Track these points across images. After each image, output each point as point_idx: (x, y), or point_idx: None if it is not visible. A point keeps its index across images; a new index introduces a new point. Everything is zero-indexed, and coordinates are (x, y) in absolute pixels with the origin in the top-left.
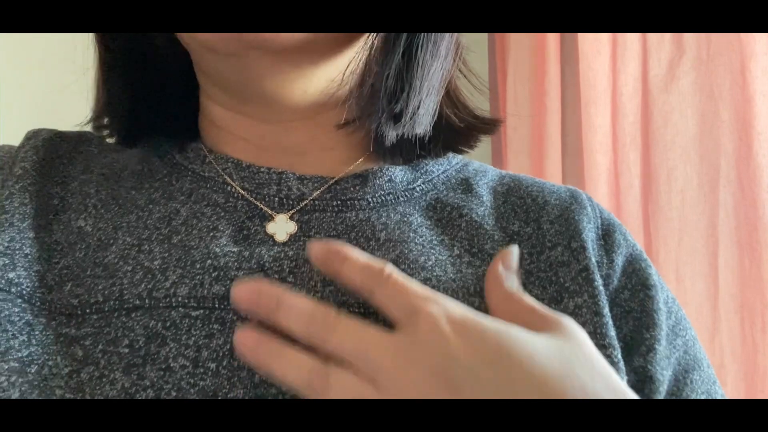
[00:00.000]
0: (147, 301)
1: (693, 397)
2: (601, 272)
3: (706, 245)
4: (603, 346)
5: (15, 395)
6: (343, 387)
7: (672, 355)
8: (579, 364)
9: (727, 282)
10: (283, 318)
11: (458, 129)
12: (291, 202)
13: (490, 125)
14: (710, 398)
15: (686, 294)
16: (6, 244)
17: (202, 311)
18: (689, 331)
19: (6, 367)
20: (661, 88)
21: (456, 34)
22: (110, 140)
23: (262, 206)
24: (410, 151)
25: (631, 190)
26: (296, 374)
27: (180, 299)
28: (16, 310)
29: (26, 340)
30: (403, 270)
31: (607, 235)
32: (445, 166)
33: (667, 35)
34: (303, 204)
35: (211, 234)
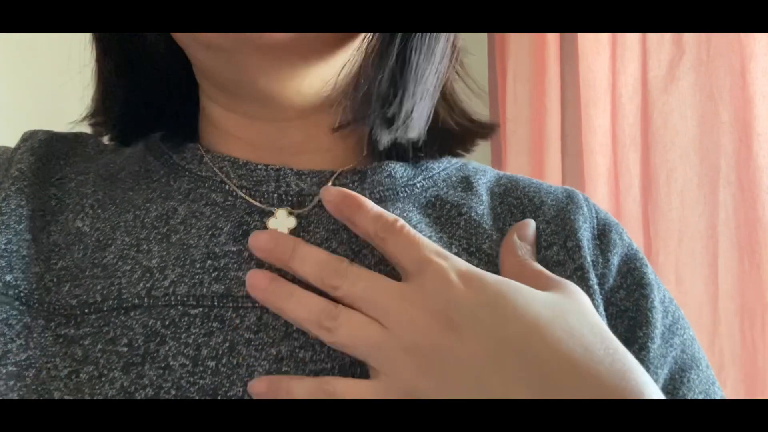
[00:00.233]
0: (146, 300)
1: (689, 396)
2: (596, 272)
3: (706, 246)
4: None
5: (13, 399)
6: (351, 326)
7: (668, 353)
8: (571, 312)
9: (726, 283)
10: (297, 264)
11: (455, 133)
12: (290, 198)
13: (487, 129)
14: (708, 398)
15: (686, 295)
16: (3, 247)
17: (201, 309)
18: (687, 330)
19: (4, 371)
20: (660, 89)
21: (452, 36)
22: (106, 140)
23: (260, 204)
24: (405, 155)
25: (630, 191)
26: (306, 313)
27: (179, 298)
28: (14, 313)
29: (24, 343)
30: None
31: (603, 234)
32: (446, 164)
33: (667, 36)
34: (302, 200)
35: (210, 233)
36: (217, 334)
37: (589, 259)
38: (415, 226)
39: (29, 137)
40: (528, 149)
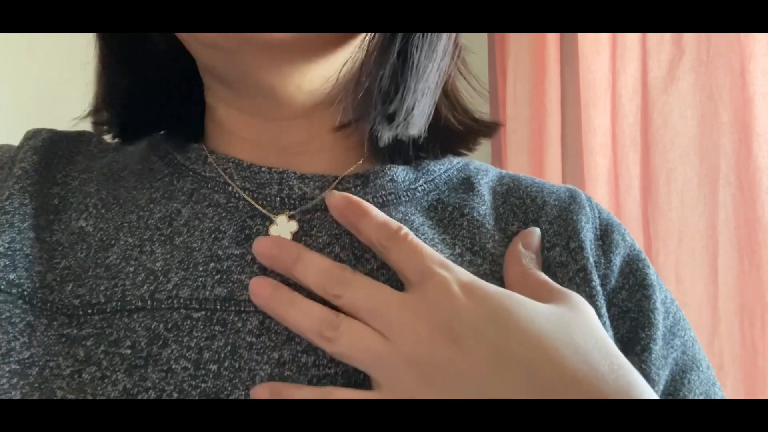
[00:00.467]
0: (149, 302)
1: (690, 397)
2: (598, 272)
3: (706, 246)
4: None
5: (16, 397)
6: (352, 336)
7: (669, 355)
8: (575, 326)
9: (726, 283)
10: (300, 272)
11: (457, 131)
12: (292, 202)
13: (489, 128)
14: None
15: (686, 295)
16: (6, 245)
17: (203, 313)
18: (688, 331)
19: (7, 369)
20: (660, 89)
21: (454, 34)
22: (109, 138)
23: (263, 207)
24: (408, 153)
25: (630, 191)
26: (308, 322)
27: (182, 301)
28: (17, 311)
29: (27, 341)
30: None
31: (605, 235)
32: (447, 165)
33: (667, 36)
34: (305, 204)
35: (213, 236)
36: (219, 338)
37: (591, 260)
38: (417, 229)
39: (32, 136)
40: (528, 149)
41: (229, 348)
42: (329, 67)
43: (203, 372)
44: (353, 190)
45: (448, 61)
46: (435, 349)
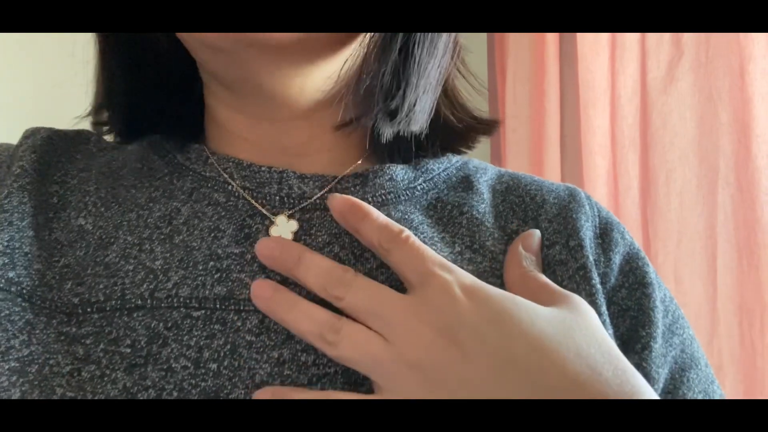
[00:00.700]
0: (149, 301)
1: (689, 395)
2: (598, 270)
3: (705, 247)
4: None
5: (16, 395)
6: (354, 339)
7: (668, 353)
8: (578, 330)
9: (725, 284)
10: (302, 273)
11: (457, 129)
12: (292, 201)
13: (489, 126)
14: (707, 397)
15: (685, 296)
16: (6, 243)
17: (203, 312)
18: (687, 329)
19: (6, 366)
20: (659, 89)
21: (453, 35)
22: (109, 137)
23: (262, 206)
24: (408, 151)
25: (629, 192)
26: (309, 325)
27: (182, 300)
28: (17, 309)
29: (26, 339)
30: None
31: (605, 233)
32: (446, 164)
33: (666, 37)
34: (304, 203)
35: (213, 234)
36: (219, 337)
37: (591, 258)
38: (417, 228)
39: (31, 134)
40: (527, 150)
41: (228, 347)
42: (331, 67)
43: (203, 371)
44: (352, 189)
45: (449, 59)
46: (437, 352)
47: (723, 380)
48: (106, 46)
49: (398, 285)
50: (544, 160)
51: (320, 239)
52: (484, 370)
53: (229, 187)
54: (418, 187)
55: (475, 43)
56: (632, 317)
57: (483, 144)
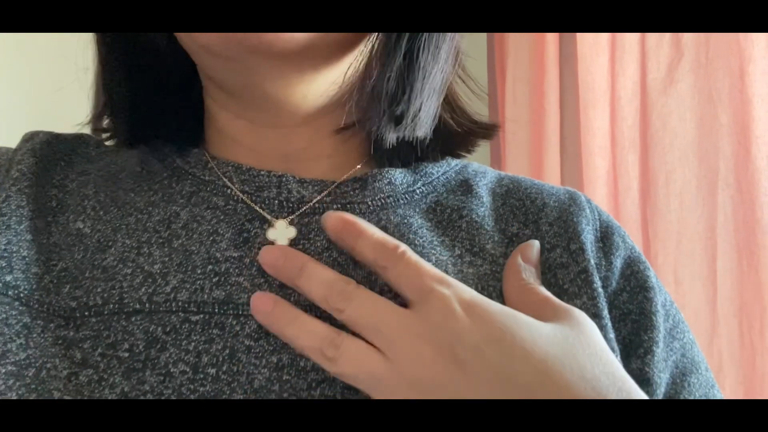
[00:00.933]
0: (147, 305)
1: None
2: (599, 274)
3: (705, 248)
4: None
5: (12, 398)
6: (353, 355)
7: (669, 357)
8: (581, 349)
9: (725, 285)
10: (304, 283)
11: (456, 133)
12: (291, 205)
13: (488, 130)
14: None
15: (684, 297)
16: (3, 247)
17: (201, 316)
18: (687, 334)
19: (3, 370)
20: (659, 91)
21: (456, 38)
22: (109, 143)
23: (261, 210)
24: (408, 156)
25: (629, 193)
26: (308, 340)
27: (180, 304)
28: (14, 312)
29: (24, 343)
30: None
31: (606, 237)
32: (445, 168)
33: (666, 38)
34: (303, 208)
35: (212, 238)
36: (218, 341)
37: (592, 261)
38: (416, 231)
39: (30, 138)
40: (527, 151)
41: (227, 352)
42: (333, 73)
43: (201, 376)
44: (351, 193)
45: (451, 65)
46: (436, 371)
47: (723, 381)
48: (106, 50)
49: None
50: (544, 161)
51: (319, 244)
52: (484, 391)
53: (228, 191)
54: (417, 191)
55: (474, 45)
56: (634, 321)
57: (482, 145)
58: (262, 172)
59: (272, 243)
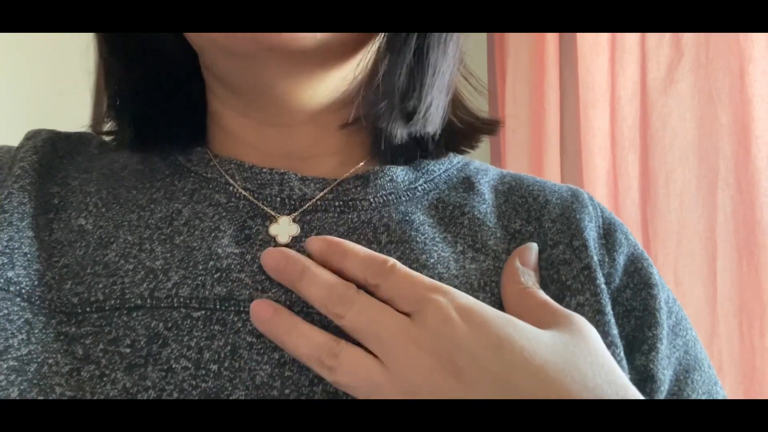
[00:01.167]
0: (149, 301)
1: (694, 397)
2: (602, 271)
3: (705, 248)
4: (606, 345)
5: (14, 394)
6: (352, 365)
7: (672, 354)
8: (582, 357)
9: (725, 285)
10: (304, 286)
11: (459, 129)
12: (293, 203)
13: (491, 126)
14: (711, 399)
15: (684, 297)
16: (5, 243)
17: (203, 312)
18: (690, 331)
19: (5, 366)
20: (659, 90)
21: (461, 38)
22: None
23: (263, 207)
24: (412, 152)
25: (629, 193)
26: (307, 348)
27: (181, 300)
28: (15, 308)
29: (25, 338)
30: None
31: (608, 234)
32: (447, 165)
33: (666, 38)
34: (305, 205)
35: (213, 234)
36: (219, 338)
37: (595, 258)
38: (418, 228)
39: (32, 136)
40: (527, 151)
41: (229, 348)
42: (343, 72)
43: (203, 372)
44: (353, 190)
45: (457, 62)
46: (435, 381)
47: (723, 381)
48: (108, 50)
49: None
50: (544, 161)
51: None
52: (482, 398)
53: (230, 188)
54: (419, 188)
55: (475, 43)
56: (637, 318)
57: (483, 145)
58: (264, 170)
59: (274, 238)
